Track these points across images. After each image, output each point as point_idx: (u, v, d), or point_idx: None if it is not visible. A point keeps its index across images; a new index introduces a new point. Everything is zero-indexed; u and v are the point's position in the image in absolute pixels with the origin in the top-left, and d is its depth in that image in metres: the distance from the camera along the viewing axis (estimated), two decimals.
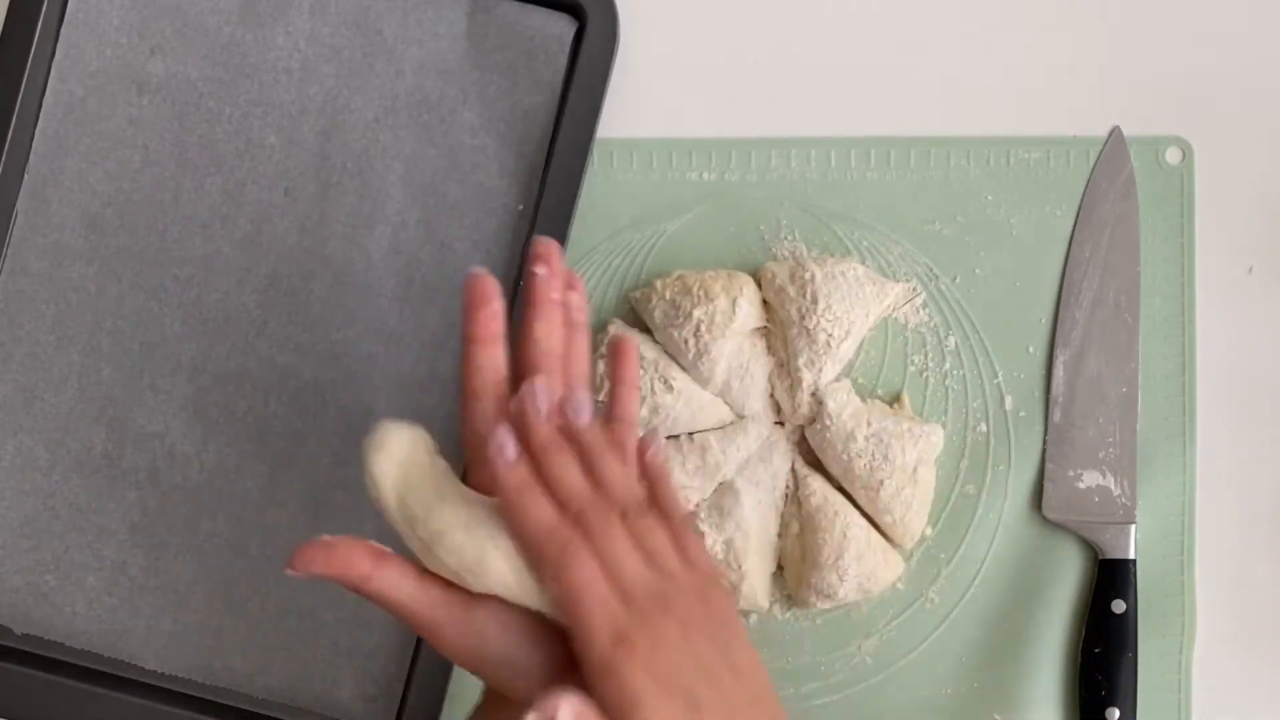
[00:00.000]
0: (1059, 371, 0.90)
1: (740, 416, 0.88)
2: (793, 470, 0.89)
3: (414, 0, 0.92)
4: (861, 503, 0.87)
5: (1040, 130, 0.92)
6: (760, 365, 0.88)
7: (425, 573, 0.68)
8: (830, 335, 0.87)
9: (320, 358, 0.90)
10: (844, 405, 0.87)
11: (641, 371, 0.87)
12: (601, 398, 0.87)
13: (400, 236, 0.91)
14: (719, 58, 0.93)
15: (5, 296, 0.91)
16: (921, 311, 0.91)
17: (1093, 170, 0.92)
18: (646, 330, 0.90)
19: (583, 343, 0.77)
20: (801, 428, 0.89)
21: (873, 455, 0.86)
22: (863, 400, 0.89)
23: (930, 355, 0.91)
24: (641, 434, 0.74)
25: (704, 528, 0.86)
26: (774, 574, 0.89)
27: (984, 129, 0.92)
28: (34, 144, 0.92)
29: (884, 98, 0.93)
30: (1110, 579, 0.88)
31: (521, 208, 0.91)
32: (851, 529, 0.86)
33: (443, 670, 0.87)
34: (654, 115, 0.93)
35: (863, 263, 0.90)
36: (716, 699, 0.65)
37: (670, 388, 0.87)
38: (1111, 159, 0.92)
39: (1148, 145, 0.92)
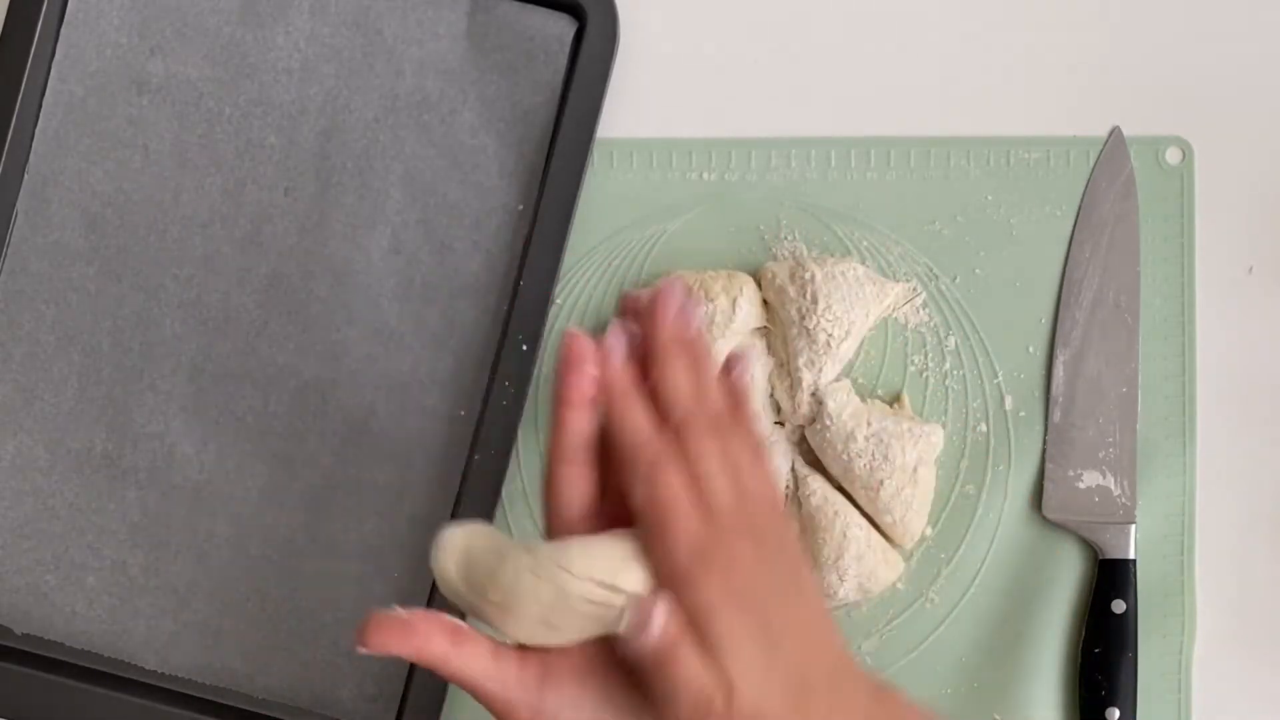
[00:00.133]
0: (1059, 371, 0.90)
1: None
2: (793, 470, 0.89)
3: (414, 0, 0.92)
4: (861, 503, 0.87)
5: (1040, 130, 0.92)
6: (760, 365, 0.88)
7: (499, 649, 0.68)
8: (830, 335, 0.87)
9: (320, 358, 0.90)
10: (844, 405, 0.87)
11: None
12: None
13: (400, 236, 0.91)
14: (719, 58, 0.93)
15: (5, 296, 0.91)
16: (921, 311, 0.91)
17: (1093, 170, 0.92)
18: None
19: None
20: (801, 428, 0.89)
21: (873, 455, 0.86)
22: (863, 400, 0.89)
23: (930, 355, 0.91)
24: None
25: None
26: None
27: (984, 129, 0.92)
28: (34, 144, 0.92)
29: (884, 98, 0.93)
30: (1110, 579, 0.88)
31: (521, 208, 0.91)
32: (851, 529, 0.86)
33: None
34: (654, 115, 0.93)
35: (863, 263, 0.90)
36: (785, 618, 0.66)
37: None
38: (1111, 159, 0.92)
39: (1148, 145, 0.92)
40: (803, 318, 0.87)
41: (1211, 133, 0.92)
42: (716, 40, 0.93)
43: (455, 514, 0.88)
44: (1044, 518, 0.89)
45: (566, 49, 0.91)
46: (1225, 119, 0.92)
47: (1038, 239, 0.91)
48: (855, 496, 0.87)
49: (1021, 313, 0.91)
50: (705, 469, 0.68)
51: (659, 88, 0.93)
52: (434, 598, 0.87)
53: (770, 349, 0.89)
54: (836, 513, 0.86)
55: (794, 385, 0.88)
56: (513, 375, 0.88)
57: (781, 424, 0.89)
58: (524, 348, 0.88)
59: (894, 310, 0.91)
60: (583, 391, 0.70)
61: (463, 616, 0.69)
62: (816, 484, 0.87)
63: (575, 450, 0.70)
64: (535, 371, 0.89)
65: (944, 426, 0.89)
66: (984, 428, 0.90)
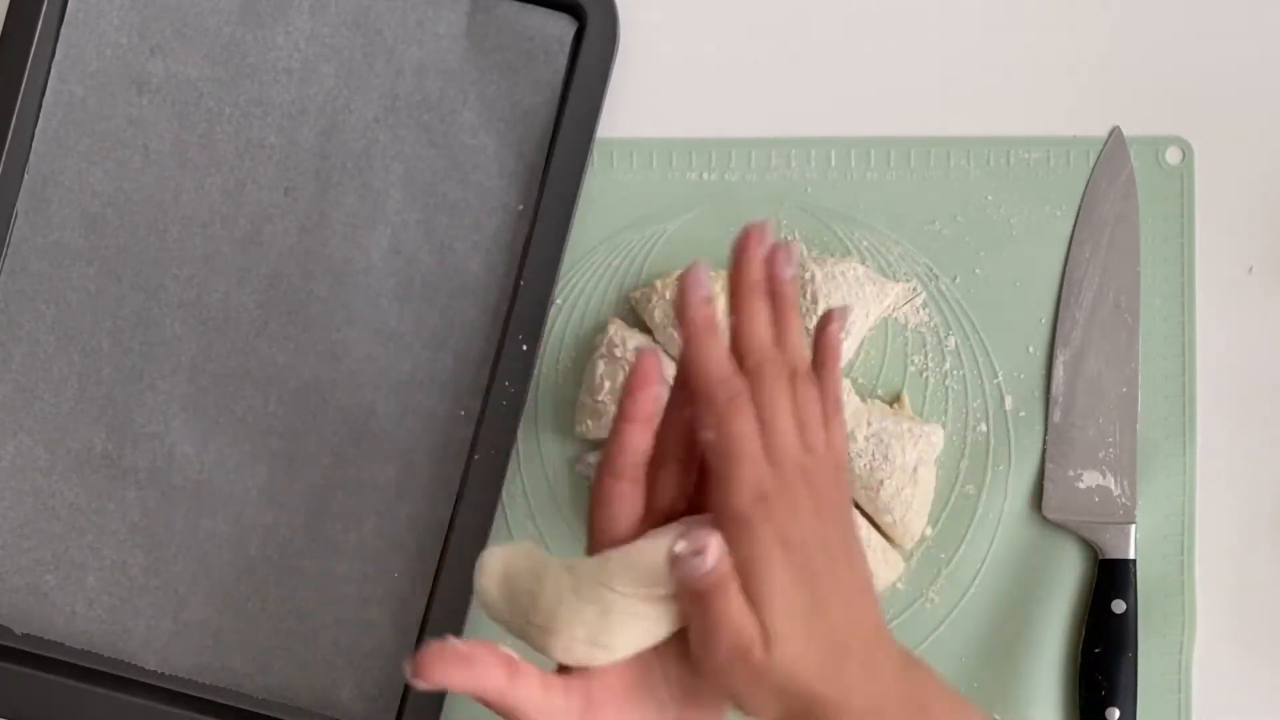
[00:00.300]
0: (1059, 371, 0.90)
1: None
2: None
3: (414, 0, 0.92)
4: (861, 502, 0.87)
5: (1040, 130, 0.92)
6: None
7: (546, 679, 0.67)
8: None
9: (320, 358, 0.90)
10: (844, 405, 0.87)
11: None
12: (601, 397, 0.87)
13: (400, 236, 0.91)
14: (719, 58, 0.93)
15: (5, 296, 0.91)
16: (921, 311, 0.91)
17: (1093, 170, 0.92)
18: (647, 330, 0.89)
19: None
20: None
21: (873, 455, 0.86)
22: (863, 400, 0.89)
23: (930, 355, 0.91)
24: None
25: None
26: None
27: (984, 129, 0.92)
28: (34, 144, 0.92)
29: (884, 98, 0.93)
30: (1110, 579, 0.88)
31: (521, 208, 0.91)
32: None
33: None
34: (654, 115, 0.93)
35: (863, 263, 0.90)
36: (833, 579, 0.67)
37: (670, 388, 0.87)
38: (1111, 159, 0.92)
39: (1148, 145, 0.92)
40: (803, 317, 0.87)
41: (1211, 133, 0.92)
42: (716, 40, 0.93)
43: (455, 514, 0.88)
44: (1044, 518, 0.89)
45: (566, 49, 0.91)
46: (1225, 119, 0.92)
47: (1038, 239, 0.91)
48: (855, 496, 0.87)
49: (1021, 313, 0.91)
50: (773, 414, 0.68)
51: (659, 88, 0.93)
52: (433, 602, 0.87)
53: None
54: None
55: None
56: (513, 375, 0.88)
57: None
58: (524, 348, 0.88)
59: (894, 310, 0.91)
60: (647, 410, 0.70)
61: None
62: None
63: (631, 467, 0.70)
64: (535, 371, 0.89)
65: (944, 426, 0.89)
66: (984, 428, 0.90)
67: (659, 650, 0.68)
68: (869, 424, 0.87)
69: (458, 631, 0.87)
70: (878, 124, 0.92)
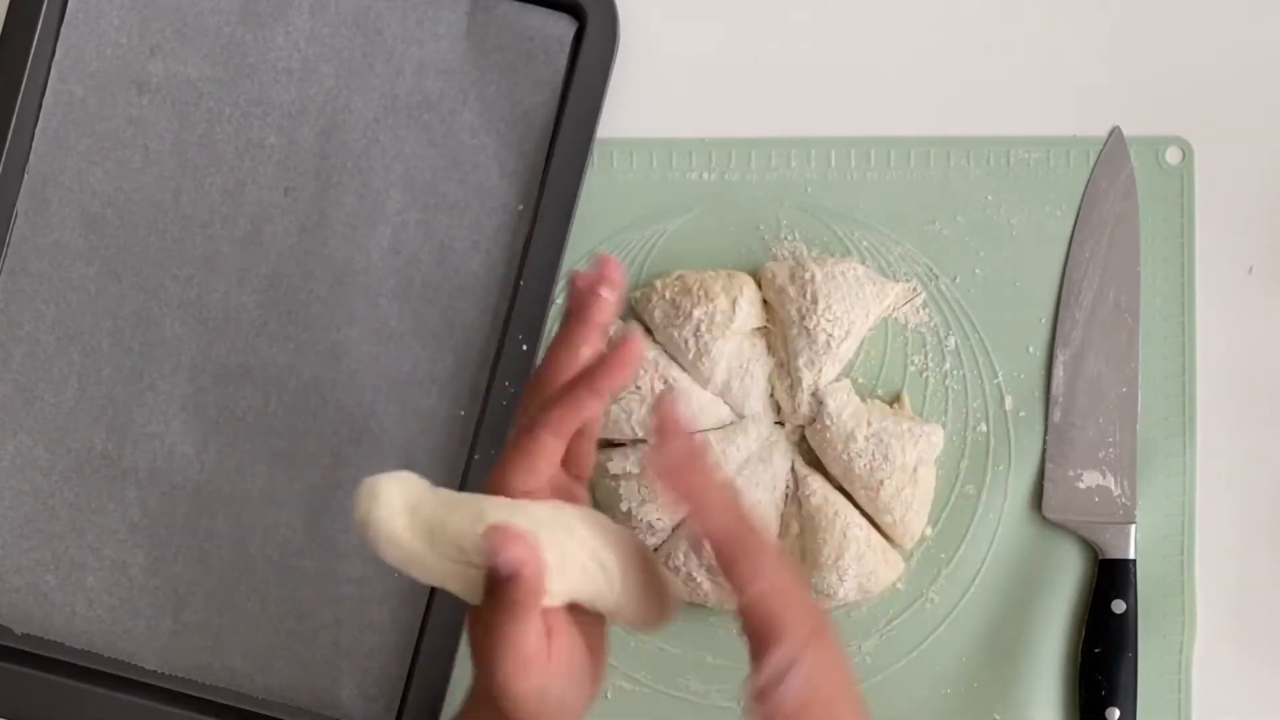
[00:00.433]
0: (1059, 371, 0.90)
1: (740, 416, 0.88)
2: (793, 470, 0.89)
3: (414, 0, 0.92)
4: (861, 503, 0.87)
5: (1040, 130, 0.92)
6: (760, 365, 0.88)
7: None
8: (830, 335, 0.87)
9: (320, 358, 0.90)
10: (844, 405, 0.87)
11: (641, 372, 0.87)
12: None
13: (400, 236, 0.91)
14: (719, 58, 0.93)
15: (5, 296, 0.91)
16: (921, 311, 0.91)
17: (1093, 170, 0.92)
18: (647, 330, 0.89)
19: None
20: (801, 428, 0.89)
21: (873, 455, 0.86)
22: (863, 400, 0.89)
23: (930, 355, 0.91)
24: None
25: None
26: None
27: (984, 129, 0.92)
28: (34, 144, 0.92)
29: (884, 98, 0.93)
30: (1110, 579, 0.88)
31: (521, 208, 0.91)
32: (851, 529, 0.86)
33: (443, 670, 0.87)
34: (654, 115, 0.93)
35: (863, 263, 0.90)
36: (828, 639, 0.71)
37: (670, 388, 0.87)
38: (1111, 159, 0.92)
39: (1148, 145, 0.92)
40: (803, 318, 0.87)
41: (1211, 133, 0.92)
42: (716, 40, 0.93)
43: None
44: (1044, 518, 0.89)
45: (566, 49, 0.91)
46: (1225, 119, 0.92)
47: (1038, 239, 0.91)
48: (855, 496, 0.87)
49: (1021, 313, 0.91)
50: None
51: (659, 88, 0.93)
52: (433, 602, 0.87)
53: (770, 349, 0.89)
54: (836, 513, 0.86)
55: (794, 385, 0.88)
56: (513, 375, 0.88)
57: (781, 424, 0.89)
58: (524, 348, 0.88)
59: (894, 310, 0.91)
60: (615, 389, 0.71)
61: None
62: (816, 484, 0.87)
63: (570, 432, 0.71)
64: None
65: (944, 426, 0.89)
66: (984, 428, 0.90)
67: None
68: (869, 424, 0.87)
69: (456, 634, 0.87)
70: (878, 124, 0.92)
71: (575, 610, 0.70)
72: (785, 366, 0.88)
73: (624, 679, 0.89)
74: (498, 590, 0.66)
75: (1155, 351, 0.90)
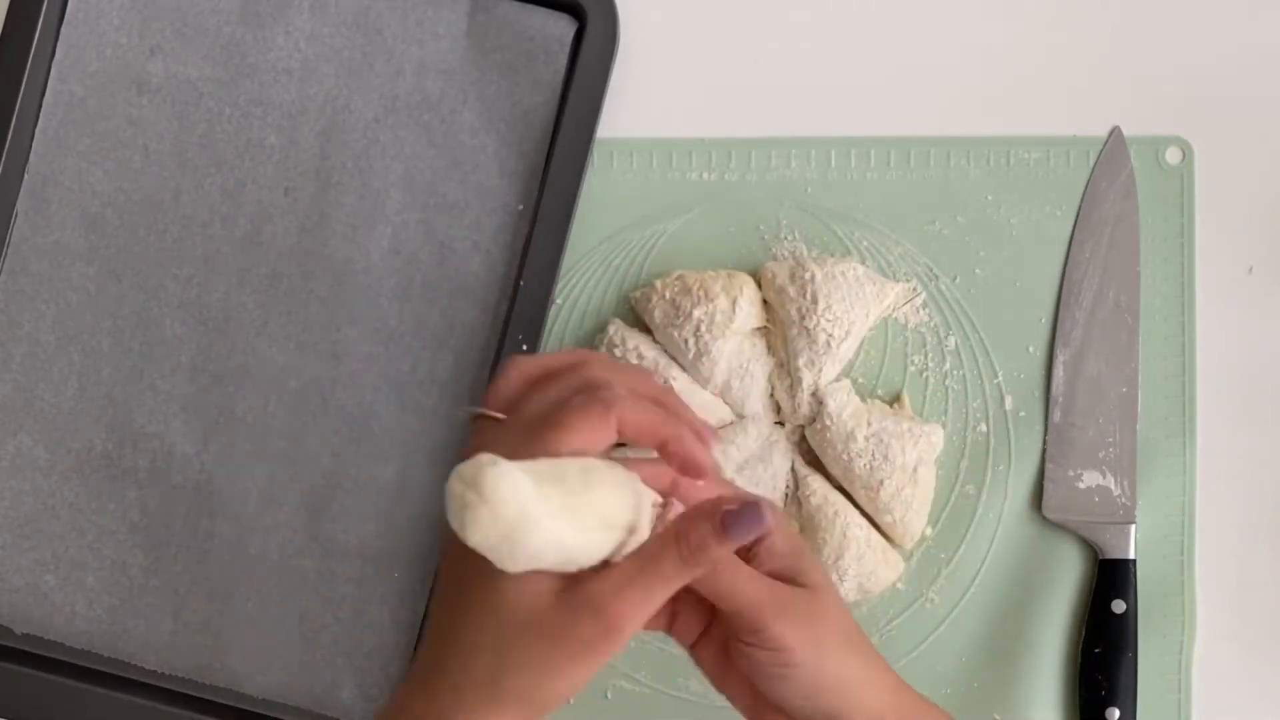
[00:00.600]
0: (1059, 371, 0.90)
1: (740, 416, 0.88)
2: (793, 470, 0.89)
3: (414, 0, 0.92)
4: (861, 503, 0.87)
5: (1040, 130, 0.92)
6: (760, 365, 0.88)
7: None
8: (830, 335, 0.87)
9: (320, 358, 0.90)
10: (844, 405, 0.87)
11: None
12: None
13: (400, 236, 0.91)
14: (719, 58, 0.93)
15: (5, 296, 0.91)
16: (921, 311, 0.91)
17: (1093, 170, 0.92)
18: (646, 330, 0.90)
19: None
20: (801, 428, 0.89)
21: (873, 455, 0.86)
22: (863, 400, 0.89)
23: (930, 355, 0.91)
24: None
25: None
26: None
27: (984, 129, 0.92)
28: (34, 144, 0.92)
29: (884, 98, 0.93)
30: (1110, 579, 0.88)
31: (521, 208, 0.91)
32: (851, 529, 0.86)
33: None
34: (654, 115, 0.93)
35: (863, 263, 0.90)
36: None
37: (670, 388, 0.87)
38: (1111, 159, 0.92)
39: (1148, 145, 0.92)
40: (803, 318, 0.87)
41: (1211, 133, 0.92)
42: (716, 40, 0.93)
43: None
44: (1044, 518, 0.89)
45: (566, 49, 0.91)
46: (1225, 119, 0.92)
47: (1038, 239, 0.91)
48: (855, 496, 0.87)
49: (1021, 313, 0.91)
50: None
51: (659, 88, 0.93)
52: (434, 596, 0.87)
53: (770, 349, 0.89)
54: (836, 513, 0.86)
55: (794, 385, 0.88)
56: None
57: (781, 424, 0.89)
58: (524, 348, 0.88)
59: (894, 310, 0.91)
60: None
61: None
62: (816, 484, 0.87)
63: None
64: None
65: (944, 426, 0.89)
66: (984, 428, 0.90)
67: None
68: (869, 424, 0.87)
69: None
70: (878, 124, 0.92)
71: None
72: (785, 366, 0.88)
73: (624, 679, 0.89)
74: (705, 544, 0.66)
75: (1155, 351, 0.90)
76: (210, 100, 0.92)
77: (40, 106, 0.92)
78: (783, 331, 0.88)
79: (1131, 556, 0.88)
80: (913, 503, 0.87)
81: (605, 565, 0.67)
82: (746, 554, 0.72)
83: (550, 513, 0.63)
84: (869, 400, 0.89)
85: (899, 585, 0.89)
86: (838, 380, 0.88)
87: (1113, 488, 0.89)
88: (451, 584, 0.70)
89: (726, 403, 0.88)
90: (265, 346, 0.91)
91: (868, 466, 0.86)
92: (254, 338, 0.91)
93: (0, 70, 0.90)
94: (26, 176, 0.92)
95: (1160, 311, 0.91)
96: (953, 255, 0.91)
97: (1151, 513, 0.89)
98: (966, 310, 0.91)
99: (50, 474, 0.90)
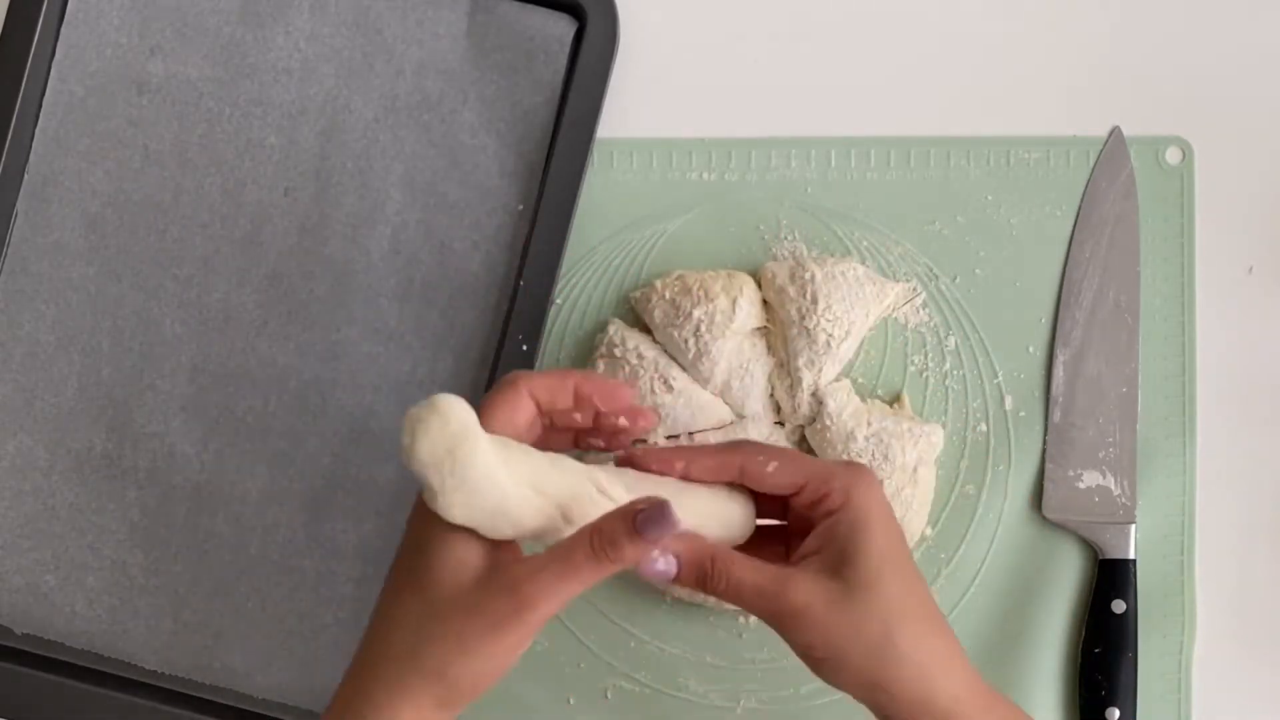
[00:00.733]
0: (1059, 371, 0.90)
1: (740, 416, 0.88)
2: None
3: (414, 0, 0.92)
4: None
5: (1040, 130, 0.92)
6: (760, 365, 0.88)
7: None
8: (830, 335, 0.87)
9: (320, 358, 0.90)
10: (844, 405, 0.87)
11: (641, 371, 0.87)
12: None
13: (400, 236, 0.91)
14: (719, 58, 0.93)
15: (5, 296, 0.91)
16: (921, 311, 0.91)
17: (1093, 170, 0.92)
18: (646, 330, 0.90)
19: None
20: (801, 428, 0.89)
21: (873, 455, 0.86)
22: (863, 400, 0.89)
23: (930, 355, 0.91)
24: None
25: None
26: None
27: (984, 129, 0.92)
28: (34, 144, 0.92)
29: (884, 98, 0.93)
30: (1110, 579, 0.88)
31: (521, 208, 0.91)
32: None
33: None
34: (654, 115, 0.93)
35: (863, 263, 0.90)
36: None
37: (670, 388, 0.87)
38: (1111, 159, 0.92)
39: (1148, 145, 0.92)
40: (803, 318, 0.87)
41: (1211, 133, 0.92)
42: (716, 40, 0.93)
43: None
44: (1044, 518, 0.89)
45: (566, 49, 0.91)
46: (1225, 119, 0.92)
47: (1038, 239, 0.91)
48: None
49: (1021, 313, 0.91)
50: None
51: (659, 88, 0.93)
52: None
53: (770, 349, 0.89)
54: None
55: (794, 385, 0.88)
56: None
57: (781, 424, 0.89)
58: (524, 348, 0.88)
59: (894, 310, 0.91)
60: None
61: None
62: None
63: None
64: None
65: (944, 426, 0.89)
66: (984, 428, 0.90)
67: None
68: (869, 424, 0.87)
69: None
70: (878, 124, 0.92)
71: None
72: (785, 366, 0.88)
73: (624, 679, 0.89)
74: (631, 547, 0.69)
75: (1155, 351, 0.90)
76: (210, 100, 0.92)
77: (40, 106, 0.92)
78: (783, 331, 0.88)
79: (1131, 556, 0.88)
80: (913, 503, 0.87)
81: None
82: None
83: (490, 444, 0.68)
84: (869, 400, 0.89)
85: None
86: (838, 380, 0.88)
87: (1113, 488, 0.89)
88: (391, 572, 0.73)
89: (726, 403, 0.88)
90: (265, 346, 0.91)
91: (868, 466, 0.86)
92: (254, 338, 0.91)
93: (0, 70, 0.90)
94: (26, 176, 0.92)
95: (1160, 311, 0.91)
96: (953, 255, 0.91)
97: (1151, 513, 0.89)
98: (966, 310, 0.91)
99: (50, 474, 0.90)
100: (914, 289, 0.91)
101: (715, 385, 0.88)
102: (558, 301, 0.91)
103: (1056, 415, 0.90)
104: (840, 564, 0.72)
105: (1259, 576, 0.90)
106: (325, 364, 0.90)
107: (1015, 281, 0.91)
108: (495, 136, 0.91)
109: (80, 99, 0.92)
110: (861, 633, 0.71)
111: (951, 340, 0.91)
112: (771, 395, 0.89)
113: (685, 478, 0.74)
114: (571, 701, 0.89)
